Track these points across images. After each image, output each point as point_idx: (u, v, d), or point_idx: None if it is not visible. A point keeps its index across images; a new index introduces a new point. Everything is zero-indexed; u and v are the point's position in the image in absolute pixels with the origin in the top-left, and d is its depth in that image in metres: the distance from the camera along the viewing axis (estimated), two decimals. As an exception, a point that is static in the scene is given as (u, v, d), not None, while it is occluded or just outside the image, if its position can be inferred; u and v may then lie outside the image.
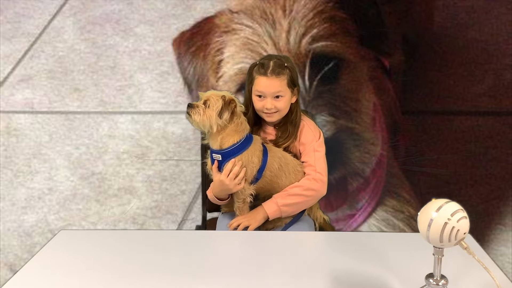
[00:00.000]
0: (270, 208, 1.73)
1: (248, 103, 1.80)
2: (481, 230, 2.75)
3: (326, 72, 2.78)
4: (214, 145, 1.71)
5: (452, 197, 1.12)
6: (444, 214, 1.06)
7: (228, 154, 1.69)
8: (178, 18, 2.96)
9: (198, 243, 1.54)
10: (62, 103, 2.97)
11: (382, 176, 2.81)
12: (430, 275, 1.15)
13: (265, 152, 1.74)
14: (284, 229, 1.79)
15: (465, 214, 1.08)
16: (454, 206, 1.08)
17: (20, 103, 2.98)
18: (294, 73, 1.79)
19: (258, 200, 1.79)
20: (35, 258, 1.44)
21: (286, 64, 1.75)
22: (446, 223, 1.05)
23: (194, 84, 2.92)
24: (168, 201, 2.89)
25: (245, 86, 1.83)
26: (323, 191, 1.78)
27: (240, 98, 1.82)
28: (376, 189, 2.81)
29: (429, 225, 1.07)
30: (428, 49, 2.85)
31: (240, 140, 1.69)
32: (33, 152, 2.95)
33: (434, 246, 1.11)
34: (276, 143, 1.80)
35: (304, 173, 1.78)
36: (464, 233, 1.07)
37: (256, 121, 1.83)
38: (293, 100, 1.80)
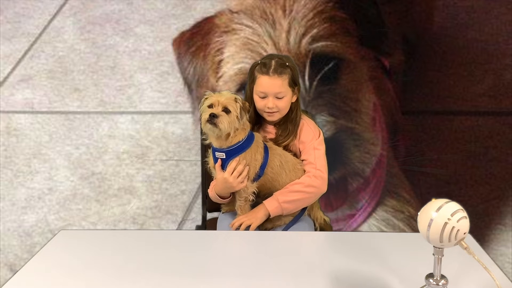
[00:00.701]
0: (271, 205, 1.74)
1: (249, 102, 1.81)
2: (481, 230, 2.75)
3: (326, 72, 2.78)
4: (219, 144, 1.71)
5: (452, 197, 1.12)
6: (444, 214, 1.06)
7: (232, 152, 1.70)
8: (178, 18, 2.96)
9: (198, 243, 1.54)
10: (62, 103, 2.97)
11: (382, 176, 2.81)
12: (430, 275, 1.15)
13: (266, 149, 1.75)
14: (285, 229, 1.79)
15: (465, 214, 1.08)
16: (454, 206, 1.08)
17: (20, 103, 2.98)
18: (296, 72, 1.80)
19: (259, 198, 1.79)
20: (35, 258, 1.44)
21: (287, 64, 1.76)
22: (446, 223, 1.05)
23: (194, 84, 2.92)
24: (168, 201, 2.89)
25: (246, 85, 1.84)
26: (324, 188, 1.78)
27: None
28: (376, 189, 2.81)
29: (429, 225, 1.07)
30: (428, 49, 2.85)
31: (244, 138, 1.70)
32: (33, 152, 2.95)
33: (434, 246, 1.11)
34: (276, 141, 1.81)
35: (304, 171, 1.79)
36: (464, 233, 1.07)
37: (256, 120, 1.84)
38: (294, 99, 1.80)
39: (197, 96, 2.89)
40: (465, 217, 1.07)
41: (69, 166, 2.94)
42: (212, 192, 1.81)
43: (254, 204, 1.79)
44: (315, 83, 2.77)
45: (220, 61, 2.86)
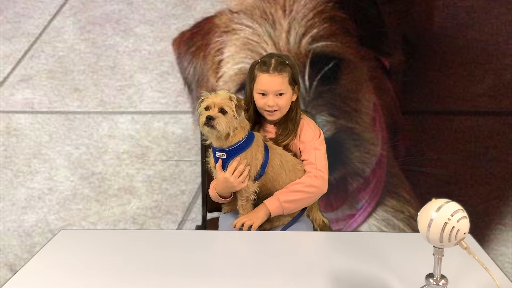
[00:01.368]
0: (272, 204, 1.74)
1: (249, 102, 1.81)
2: (481, 230, 2.75)
3: (326, 72, 2.78)
4: (219, 144, 1.71)
5: (452, 197, 1.12)
6: (444, 214, 1.06)
7: (233, 152, 1.70)
8: (178, 18, 2.95)
9: (198, 243, 1.54)
10: (62, 103, 2.97)
11: (382, 176, 2.81)
12: (430, 275, 1.15)
13: (266, 148, 1.76)
14: (283, 229, 1.79)
15: (465, 214, 1.08)
16: (454, 206, 1.08)
17: (20, 103, 2.98)
18: (295, 71, 1.80)
19: (258, 199, 1.79)
20: (35, 258, 1.44)
21: (287, 62, 1.77)
22: (446, 223, 1.05)
23: (194, 84, 2.92)
24: (168, 201, 2.89)
25: (246, 84, 1.84)
26: (324, 188, 1.79)
27: (241, 98, 1.82)
28: (376, 189, 2.81)
29: (429, 225, 1.07)
30: (428, 49, 2.84)
31: (244, 137, 1.71)
32: (33, 152, 2.95)
33: (434, 246, 1.11)
34: (276, 141, 1.81)
35: (304, 171, 1.79)
36: (464, 233, 1.07)
37: (257, 120, 1.84)
38: (294, 98, 1.81)
39: (197, 96, 2.89)
40: (465, 217, 1.07)
41: (69, 166, 2.94)
42: (213, 191, 1.81)
43: (254, 205, 1.79)
44: (315, 83, 2.77)
45: (220, 61, 2.86)
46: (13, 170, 2.94)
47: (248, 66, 1.86)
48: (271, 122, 1.84)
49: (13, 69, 3.00)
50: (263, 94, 1.76)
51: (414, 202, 2.79)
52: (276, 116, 1.79)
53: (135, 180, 2.92)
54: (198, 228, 2.13)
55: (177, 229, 2.80)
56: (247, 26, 2.83)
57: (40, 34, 3.01)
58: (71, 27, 3.00)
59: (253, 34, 2.82)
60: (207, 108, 1.67)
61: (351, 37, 2.79)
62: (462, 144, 2.82)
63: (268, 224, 1.79)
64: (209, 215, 2.11)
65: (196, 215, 2.83)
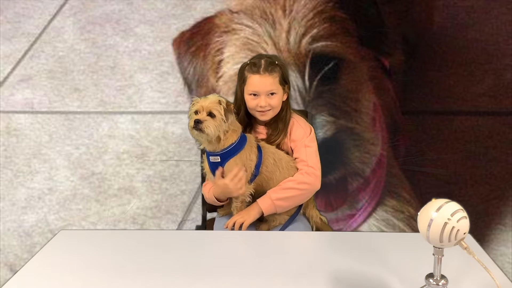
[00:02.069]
0: (264, 203, 1.74)
1: (240, 104, 1.81)
2: (481, 230, 2.75)
3: (326, 72, 2.78)
4: (212, 148, 1.72)
5: (452, 197, 1.12)
6: (444, 214, 1.06)
7: (226, 155, 1.70)
8: (178, 18, 2.96)
9: (198, 243, 1.54)
10: (62, 103, 2.97)
11: (382, 176, 2.81)
12: (430, 275, 1.15)
13: (259, 148, 1.76)
14: (282, 229, 1.79)
15: (465, 214, 1.08)
16: (454, 206, 1.08)
17: (20, 103, 2.98)
18: (285, 70, 1.81)
19: (253, 200, 1.79)
20: (35, 258, 1.44)
21: (277, 62, 1.77)
22: (446, 223, 1.05)
23: (194, 84, 2.92)
24: (168, 201, 2.89)
25: (236, 86, 1.84)
26: (317, 185, 1.78)
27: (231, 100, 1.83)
28: (376, 189, 2.81)
29: (429, 225, 1.07)
30: (428, 49, 2.85)
31: (237, 140, 1.71)
32: (33, 152, 2.95)
33: (434, 246, 1.11)
34: (267, 141, 1.82)
35: (298, 168, 1.79)
36: (464, 233, 1.07)
37: (247, 122, 1.85)
38: (284, 97, 1.82)
39: (197, 96, 2.89)
40: (465, 217, 1.07)
41: (69, 166, 2.94)
42: (209, 194, 1.81)
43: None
44: (315, 83, 2.77)
45: (220, 61, 2.86)
46: (13, 170, 2.94)
47: (248, 66, 1.87)
48: (261, 123, 1.84)
49: (13, 69, 3.00)
50: (254, 95, 1.77)
51: (414, 202, 2.79)
52: (269, 115, 1.80)
53: (135, 180, 2.92)
54: (198, 228, 2.13)
55: (177, 229, 2.80)
56: (247, 26, 2.84)
57: (40, 34, 3.01)
58: (71, 27, 3.00)
59: (253, 34, 2.82)
60: (196, 113, 1.67)
61: (351, 37, 2.79)
62: (462, 144, 2.82)
63: (266, 225, 1.79)
64: (209, 215, 2.11)
65: (196, 215, 2.83)
